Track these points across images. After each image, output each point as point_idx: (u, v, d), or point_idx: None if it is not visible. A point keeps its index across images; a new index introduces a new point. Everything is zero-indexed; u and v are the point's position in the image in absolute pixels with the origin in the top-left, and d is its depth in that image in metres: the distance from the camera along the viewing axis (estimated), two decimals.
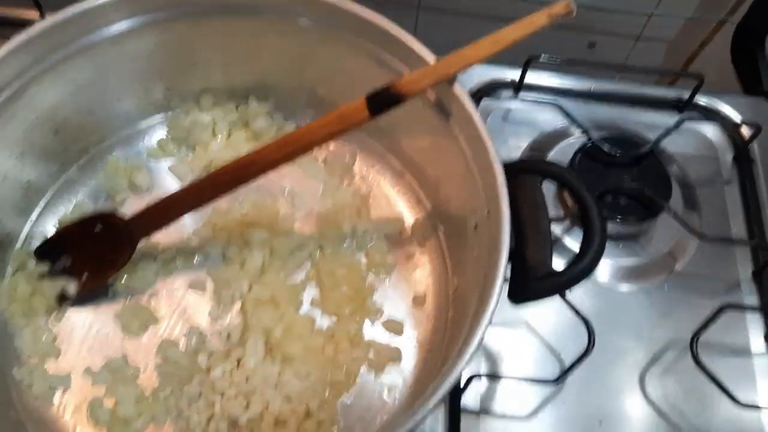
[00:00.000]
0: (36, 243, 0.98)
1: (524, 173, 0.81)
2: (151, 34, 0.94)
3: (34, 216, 1.00)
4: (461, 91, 0.81)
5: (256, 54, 1.01)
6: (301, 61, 1.01)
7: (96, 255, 0.94)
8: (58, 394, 0.91)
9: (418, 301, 0.98)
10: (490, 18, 1.45)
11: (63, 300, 0.94)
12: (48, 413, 0.89)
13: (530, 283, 0.76)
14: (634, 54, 1.57)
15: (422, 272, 1.01)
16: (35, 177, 0.98)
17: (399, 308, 0.99)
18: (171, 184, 1.06)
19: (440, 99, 0.86)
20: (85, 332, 0.95)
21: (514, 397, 0.98)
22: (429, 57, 0.83)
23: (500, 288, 0.71)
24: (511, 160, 0.82)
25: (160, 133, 1.09)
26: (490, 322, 0.70)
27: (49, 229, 1.01)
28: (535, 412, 0.98)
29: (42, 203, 1.01)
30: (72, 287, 0.93)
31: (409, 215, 1.06)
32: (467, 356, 0.68)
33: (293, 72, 1.03)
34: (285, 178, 1.06)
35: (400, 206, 1.06)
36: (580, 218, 0.80)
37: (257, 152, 0.84)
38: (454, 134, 0.85)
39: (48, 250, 0.95)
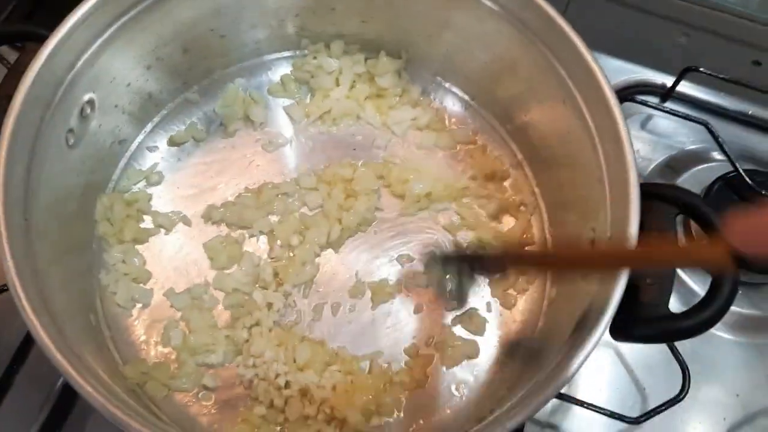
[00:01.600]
0: (144, 155, 0.99)
1: (660, 200, 0.73)
2: None
3: (148, 128, 1.01)
4: (615, 102, 0.73)
5: (397, 9, 0.96)
6: (441, 24, 0.95)
7: None
8: (137, 307, 0.92)
9: (508, 301, 0.92)
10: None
11: None
12: (125, 324, 0.91)
13: (639, 322, 0.69)
14: None
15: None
16: (157, 90, 0.98)
17: (486, 304, 0.94)
18: (284, 124, 1.05)
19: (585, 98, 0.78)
20: (174, 253, 0.95)
21: (585, 420, 0.92)
22: (585, 52, 0.75)
23: (607, 325, 0.65)
24: (649, 182, 0.74)
25: (284, 70, 1.07)
26: (588, 356, 0.64)
27: (159, 143, 1.01)
28: None
29: (157, 118, 1.01)
30: None
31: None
32: (558, 384, 0.63)
33: (431, 34, 0.98)
34: None
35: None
36: None
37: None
38: (593, 140, 0.78)
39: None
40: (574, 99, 0.79)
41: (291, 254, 0.94)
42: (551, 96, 0.84)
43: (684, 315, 0.69)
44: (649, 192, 0.72)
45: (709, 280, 0.71)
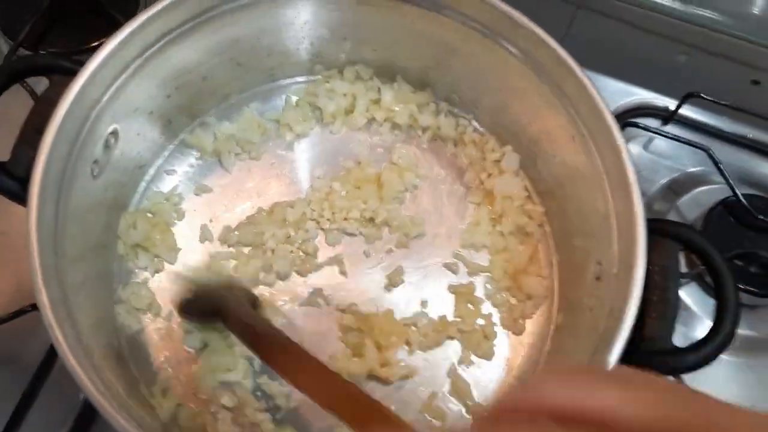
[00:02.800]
0: (163, 178, 1.02)
1: (664, 236, 0.76)
2: (311, 4, 0.95)
3: (167, 152, 1.03)
4: (623, 144, 0.76)
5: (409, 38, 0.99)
6: (447, 54, 0.98)
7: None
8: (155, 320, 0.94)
9: (517, 327, 0.96)
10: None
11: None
12: (143, 342, 0.94)
13: (643, 356, 0.72)
14: None
15: None
16: (176, 116, 1.01)
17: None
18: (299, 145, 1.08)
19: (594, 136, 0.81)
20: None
21: None
22: (595, 94, 0.78)
23: (616, 362, 0.68)
24: (655, 219, 0.77)
25: (297, 95, 1.09)
26: None
27: (177, 167, 1.03)
28: None
29: (176, 142, 1.04)
30: None
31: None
32: None
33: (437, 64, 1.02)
34: None
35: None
36: (715, 295, 0.75)
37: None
38: (601, 178, 0.81)
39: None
40: (583, 137, 0.82)
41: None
42: (561, 132, 0.87)
43: (689, 349, 0.72)
44: (655, 228, 0.76)
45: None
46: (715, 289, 0.74)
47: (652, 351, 0.72)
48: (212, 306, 0.84)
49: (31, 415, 0.90)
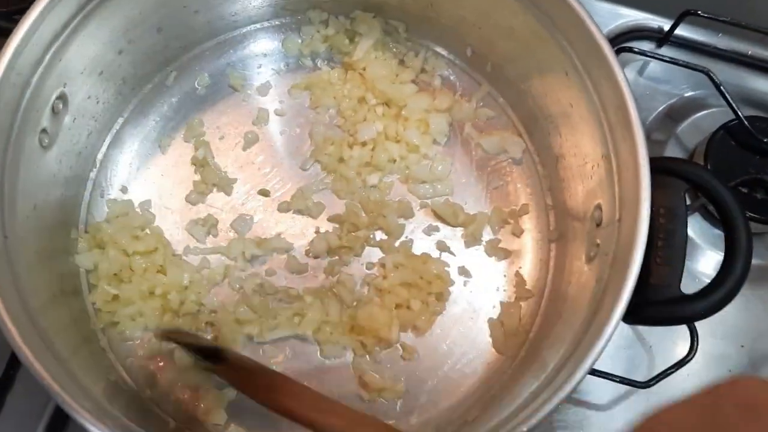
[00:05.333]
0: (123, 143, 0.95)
1: (669, 175, 0.70)
2: None
3: (125, 114, 0.96)
4: (623, 77, 0.69)
5: None
6: None
7: None
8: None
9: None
10: None
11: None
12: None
13: (650, 305, 0.67)
14: None
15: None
16: (131, 74, 0.93)
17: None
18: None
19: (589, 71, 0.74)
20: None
21: (595, 385, 0.92)
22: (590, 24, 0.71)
23: (620, 315, 0.63)
24: (657, 157, 0.71)
25: (264, 42, 1.02)
26: (605, 346, 0.63)
27: (137, 130, 0.96)
28: (611, 404, 0.92)
29: (134, 102, 0.96)
30: None
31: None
32: (576, 380, 0.62)
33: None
34: None
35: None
36: (724, 234, 0.69)
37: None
38: (599, 115, 0.74)
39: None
40: (577, 71, 0.75)
41: None
42: (553, 67, 0.79)
43: (697, 296, 0.67)
44: (658, 167, 0.69)
45: (719, 258, 0.69)
46: (725, 231, 0.69)
47: (659, 300, 0.67)
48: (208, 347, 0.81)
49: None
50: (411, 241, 0.93)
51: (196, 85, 0.99)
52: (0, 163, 0.71)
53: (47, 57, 0.76)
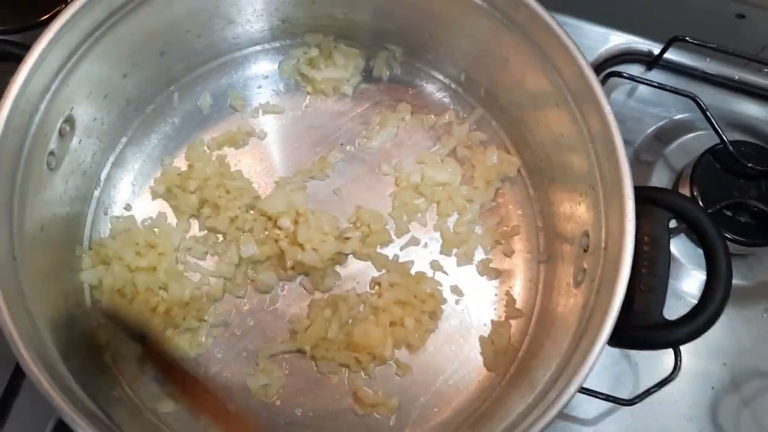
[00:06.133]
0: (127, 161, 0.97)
1: (653, 204, 0.73)
2: None
3: (129, 133, 0.98)
4: (609, 109, 0.72)
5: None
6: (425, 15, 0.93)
7: None
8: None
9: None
10: None
11: None
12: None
13: (635, 330, 0.70)
14: None
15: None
16: (135, 96, 0.95)
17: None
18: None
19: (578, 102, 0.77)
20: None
21: (581, 400, 0.94)
22: (580, 57, 0.74)
23: (605, 339, 0.66)
24: (643, 187, 0.74)
25: (264, 63, 1.04)
26: (590, 371, 0.66)
27: (141, 149, 0.99)
28: (598, 419, 0.95)
29: (138, 121, 0.99)
30: None
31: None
32: (563, 402, 0.65)
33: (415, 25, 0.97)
34: None
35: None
36: (705, 261, 0.72)
37: None
38: (587, 146, 0.77)
39: None
40: (567, 103, 0.78)
41: None
42: (545, 98, 0.82)
43: (680, 321, 0.70)
44: (643, 197, 0.72)
45: (702, 277, 0.71)
46: (706, 258, 0.72)
47: (642, 325, 0.70)
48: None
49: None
50: (411, 262, 0.96)
51: (198, 105, 1.01)
52: (9, 186, 0.73)
53: (55, 84, 0.78)
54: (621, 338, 0.71)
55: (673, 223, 0.93)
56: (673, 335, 0.69)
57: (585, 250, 0.77)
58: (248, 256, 0.92)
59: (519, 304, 0.93)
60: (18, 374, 0.87)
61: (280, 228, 0.92)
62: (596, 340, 0.66)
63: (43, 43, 0.74)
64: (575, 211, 0.82)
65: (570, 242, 0.83)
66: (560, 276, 0.86)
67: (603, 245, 0.72)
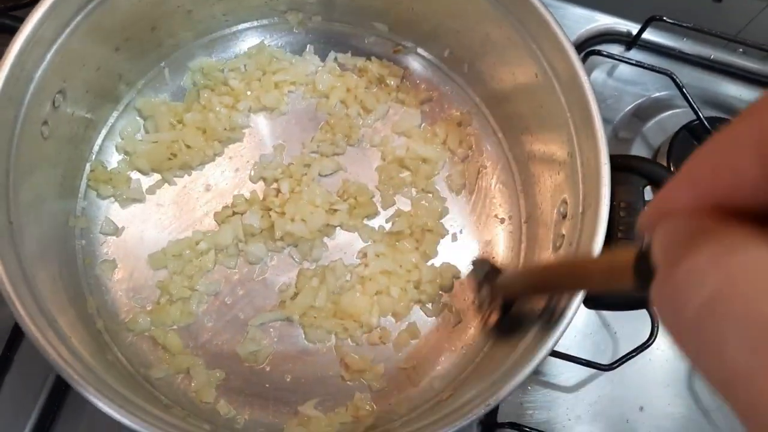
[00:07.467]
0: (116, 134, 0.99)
1: (629, 171, 0.76)
2: None
3: (120, 107, 1.00)
4: (587, 81, 0.75)
5: None
6: None
7: None
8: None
9: None
10: None
11: None
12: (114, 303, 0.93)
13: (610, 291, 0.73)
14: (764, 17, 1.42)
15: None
16: (126, 70, 0.97)
17: None
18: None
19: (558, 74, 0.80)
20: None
21: (559, 368, 0.98)
22: (558, 31, 0.76)
23: (580, 300, 0.69)
24: (619, 155, 0.77)
25: (253, 40, 1.06)
26: (562, 335, 0.69)
27: (132, 121, 1.00)
28: (578, 386, 0.99)
29: (130, 95, 1.00)
30: None
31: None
32: (537, 360, 0.68)
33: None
34: None
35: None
36: None
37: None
38: (565, 115, 0.80)
39: None
40: (546, 74, 0.81)
41: None
42: (524, 69, 0.85)
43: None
44: (619, 164, 0.75)
45: None
46: None
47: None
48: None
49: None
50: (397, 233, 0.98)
51: (188, 81, 1.03)
52: (6, 153, 0.74)
53: (49, 54, 0.79)
54: (597, 300, 0.74)
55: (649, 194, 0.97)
56: (645, 295, 0.72)
57: (564, 217, 0.80)
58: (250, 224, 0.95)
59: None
60: (11, 342, 0.90)
61: (277, 194, 0.95)
62: (572, 300, 0.68)
63: (38, 13, 0.76)
64: (555, 180, 0.85)
65: (549, 210, 0.86)
66: (540, 242, 0.89)
67: (581, 210, 0.75)
